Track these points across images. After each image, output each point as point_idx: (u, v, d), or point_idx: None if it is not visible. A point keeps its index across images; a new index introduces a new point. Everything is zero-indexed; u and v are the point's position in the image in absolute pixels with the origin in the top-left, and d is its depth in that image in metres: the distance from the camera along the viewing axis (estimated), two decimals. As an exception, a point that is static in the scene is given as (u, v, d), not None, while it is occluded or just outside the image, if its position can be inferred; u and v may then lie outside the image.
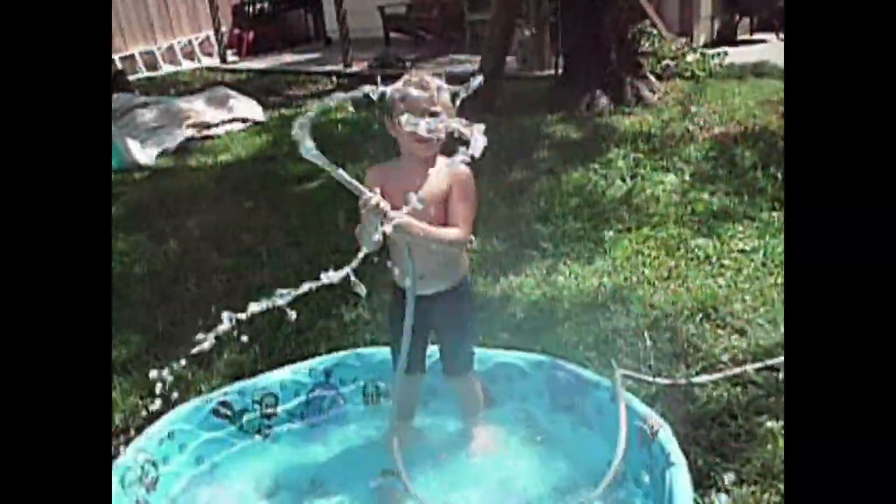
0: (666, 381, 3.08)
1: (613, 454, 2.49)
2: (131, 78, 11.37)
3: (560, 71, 8.08)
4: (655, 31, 8.62)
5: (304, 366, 3.17)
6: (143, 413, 3.31)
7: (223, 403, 2.98)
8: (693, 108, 6.96)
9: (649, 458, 2.50)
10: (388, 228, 2.36)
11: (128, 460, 2.66)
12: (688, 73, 8.11)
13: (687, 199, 4.95)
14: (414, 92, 2.45)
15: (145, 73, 13.55)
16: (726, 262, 4.11)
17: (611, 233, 4.58)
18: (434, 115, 2.43)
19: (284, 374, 3.13)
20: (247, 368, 3.53)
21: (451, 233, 2.56)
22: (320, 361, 3.18)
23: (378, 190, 2.47)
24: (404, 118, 2.35)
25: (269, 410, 3.05)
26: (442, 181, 2.58)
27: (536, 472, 2.73)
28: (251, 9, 14.57)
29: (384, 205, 2.41)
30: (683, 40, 8.83)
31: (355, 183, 2.47)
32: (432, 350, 2.92)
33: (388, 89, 2.50)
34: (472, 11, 11.64)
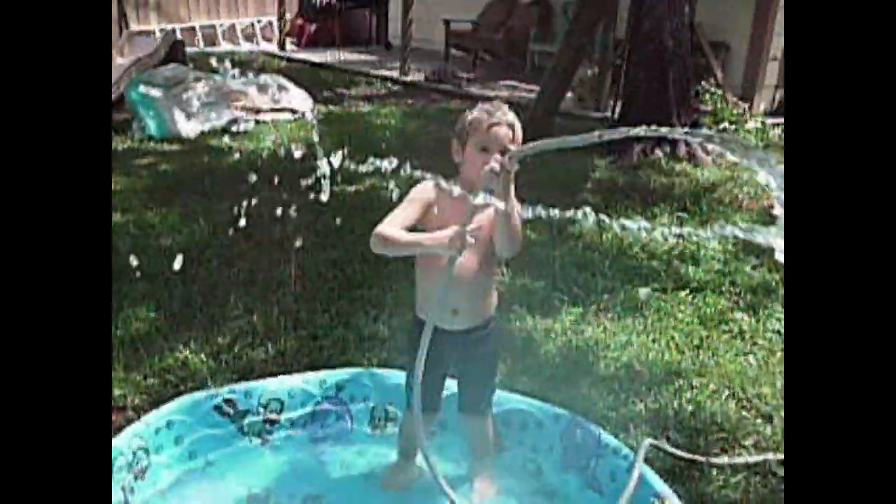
0: (687, 456, 2.95)
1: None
2: (189, 50, 11.38)
3: (616, 115, 7.98)
4: (718, 92, 8.51)
5: (315, 376, 3.08)
6: (143, 393, 3.27)
7: (227, 401, 2.90)
8: (745, 176, 6.83)
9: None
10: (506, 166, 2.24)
11: (121, 445, 2.58)
12: (745, 140, 7.98)
13: (728, 268, 4.81)
14: (502, 130, 2.40)
15: (203, 48, 13.62)
16: (760, 341, 3.97)
17: (646, 290, 4.46)
18: (505, 151, 2.37)
19: (295, 381, 3.04)
20: (256, 367, 3.45)
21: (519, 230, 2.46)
22: (333, 374, 3.09)
23: (424, 205, 2.48)
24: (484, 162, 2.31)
25: (273, 416, 2.96)
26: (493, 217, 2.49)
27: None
28: (318, 1, 14.63)
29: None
30: (744, 105, 8.71)
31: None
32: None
33: (469, 116, 2.46)
34: (538, 41, 11.60)
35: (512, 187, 2.32)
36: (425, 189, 2.53)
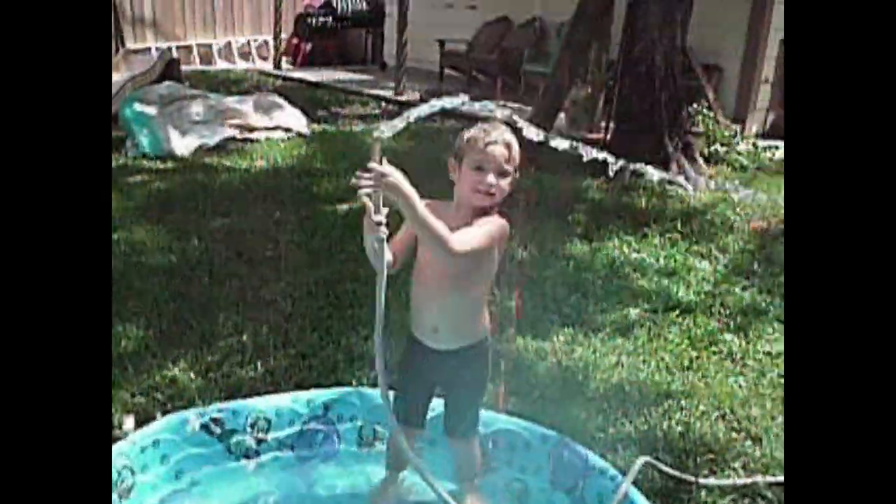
0: (678, 475, 2.95)
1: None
2: (185, 69, 11.43)
3: (609, 136, 8.01)
4: (710, 114, 8.55)
5: (303, 395, 3.07)
6: (131, 411, 3.25)
7: (215, 420, 2.88)
8: (737, 197, 6.85)
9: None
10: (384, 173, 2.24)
11: (106, 463, 2.56)
12: (737, 162, 8.01)
13: (719, 289, 4.82)
14: (498, 150, 2.39)
15: (199, 66, 13.67)
16: (750, 362, 3.97)
17: (636, 311, 4.46)
18: (504, 173, 2.41)
19: (282, 400, 3.03)
20: (245, 385, 3.44)
21: (447, 235, 2.28)
22: (321, 394, 3.08)
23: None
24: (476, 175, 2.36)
25: (261, 435, 2.94)
26: None
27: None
28: (314, 21, 14.70)
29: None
30: (736, 128, 8.75)
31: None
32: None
33: (466, 134, 2.45)
34: (531, 62, 11.65)
35: (404, 190, 2.24)
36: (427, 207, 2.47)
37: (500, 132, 2.42)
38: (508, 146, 2.41)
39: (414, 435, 2.73)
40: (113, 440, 2.72)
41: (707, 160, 7.88)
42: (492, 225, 2.44)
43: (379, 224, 2.30)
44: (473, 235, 2.37)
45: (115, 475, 2.55)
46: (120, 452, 2.62)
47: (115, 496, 2.54)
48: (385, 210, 2.32)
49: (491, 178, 2.39)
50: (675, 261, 5.27)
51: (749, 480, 2.99)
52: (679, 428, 3.32)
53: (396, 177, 2.24)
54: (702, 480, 2.96)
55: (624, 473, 2.72)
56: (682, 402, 3.52)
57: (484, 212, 2.48)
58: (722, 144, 8.16)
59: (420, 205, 2.25)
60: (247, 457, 2.92)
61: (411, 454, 2.50)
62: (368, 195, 2.29)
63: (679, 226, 5.96)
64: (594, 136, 8.83)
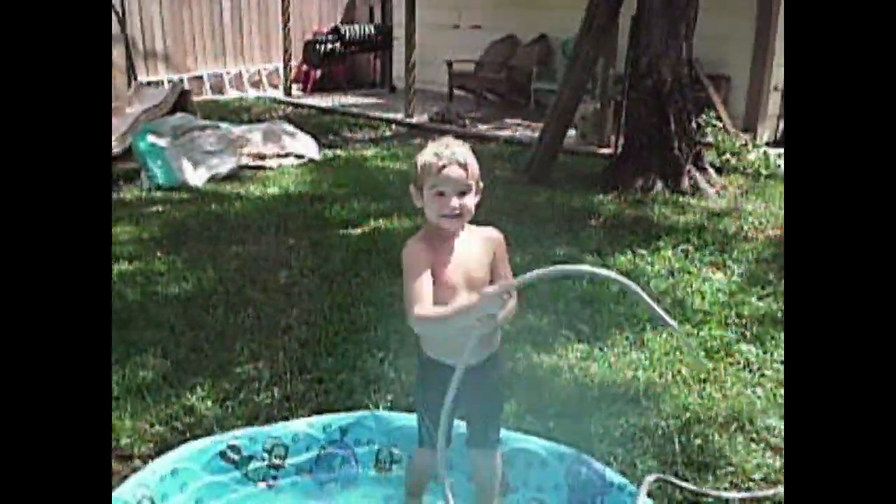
0: (694, 488, 2.93)
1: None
2: (197, 99, 11.55)
3: (619, 150, 8.03)
4: (720, 124, 8.54)
5: (319, 420, 3.09)
6: (150, 441, 3.28)
7: (232, 447, 2.90)
8: (750, 207, 6.84)
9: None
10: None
11: (126, 493, 2.59)
12: (749, 170, 7.99)
13: (734, 299, 4.80)
14: (453, 171, 2.38)
15: (210, 96, 13.81)
16: (768, 371, 3.95)
17: (651, 325, 4.45)
18: (465, 192, 2.41)
19: (299, 426, 3.05)
20: (263, 412, 3.46)
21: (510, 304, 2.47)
22: (337, 419, 3.09)
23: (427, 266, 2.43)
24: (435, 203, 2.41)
25: (278, 461, 2.96)
26: (480, 246, 2.55)
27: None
28: (322, 47, 14.82)
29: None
30: (746, 137, 8.74)
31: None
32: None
33: (420, 161, 2.45)
34: (539, 79, 11.70)
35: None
36: (418, 254, 2.47)
37: (451, 152, 2.40)
38: (464, 165, 2.39)
39: (435, 458, 2.72)
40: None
41: (718, 170, 7.87)
42: (504, 250, 2.53)
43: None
44: (509, 277, 2.50)
45: (135, 505, 2.58)
46: (140, 483, 2.65)
47: (135, 526, 2.56)
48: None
49: (454, 202, 2.39)
50: (689, 272, 5.26)
51: (771, 492, 2.97)
52: (697, 441, 3.31)
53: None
54: (721, 493, 2.94)
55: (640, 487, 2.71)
56: (700, 415, 3.50)
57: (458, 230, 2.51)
58: (732, 154, 8.15)
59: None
60: (264, 482, 2.94)
61: (447, 480, 2.46)
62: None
63: (692, 237, 5.95)
64: (605, 150, 8.86)
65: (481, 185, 2.50)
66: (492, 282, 2.50)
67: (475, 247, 2.52)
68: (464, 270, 2.49)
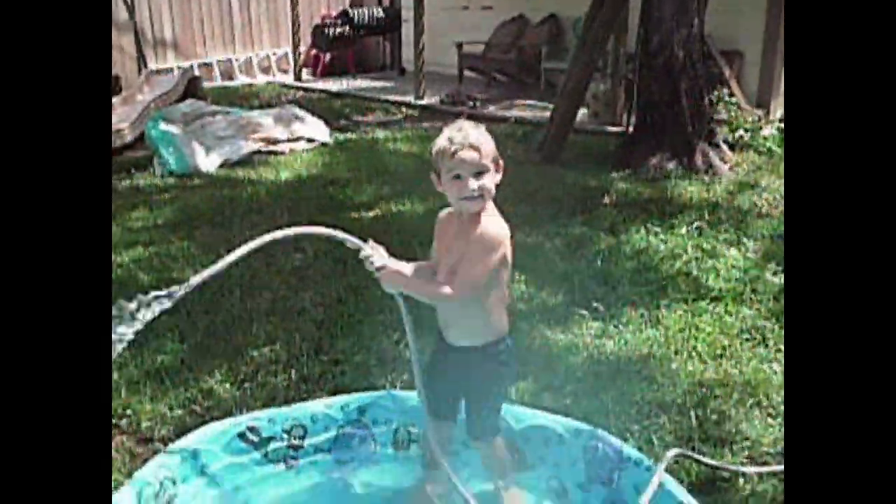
0: (715, 464, 2.93)
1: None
2: (207, 85, 11.56)
3: (631, 129, 7.99)
4: (733, 100, 8.48)
5: (337, 400, 3.11)
6: (170, 424, 3.31)
7: (251, 429, 2.92)
8: (764, 183, 6.80)
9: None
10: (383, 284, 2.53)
11: (147, 475, 2.62)
12: (763, 147, 7.93)
13: (749, 275, 4.79)
14: (467, 154, 2.40)
15: (221, 83, 13.82)
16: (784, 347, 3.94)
17: (666, 301, 4.44)
18: (482, 173, 2.42)
19: (317, 406, 3.07)
20: (280, 394, 3.49)
21: (439, 290, 2.48)
22: (355, 398, 3.11)
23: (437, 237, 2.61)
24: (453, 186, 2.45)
25: (297, 442, 2.98)
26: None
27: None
28: (331, 31, 14.78)
29: (374, 259, 2.53)
30: (760, 113, 8.68)
31: (352, 239, 2.59)
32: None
33: (435, 147, 2.49)
34: (549, 59, 11.64)
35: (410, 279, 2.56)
36: (437, 221, 2.68)
37: (463, 135, 2.42)
38: (476, 147, 2.41)
39: (446, 428, 2.75)
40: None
41: (731, 147, 7.82)
42: (482, 247, 2.45)
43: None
44: (467, 274, 2.44)
45: (157, 486, 2.60)
46: (161, 464, 2.68)
47: (157, 507, 2.59)
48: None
49: (472, 184, 2.41)
50: (704, 250, 5.24)
51: (788, 466, 2.98)
52: (714, 417, 3.31)
53: (386, 270, 2.53)
54: (743, 469, 2.94)
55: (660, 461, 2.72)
56: (717, 391, 3.50)
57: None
58: (746, 130, 8.09)
59: (406, 281, 2.57)
60: (284, 463, 2.96)
61: (437, 449, 2.55)
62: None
63: (706, 214, 5.92)
64: (617, 129, 8.82)
65: (502, 164, 2.51)
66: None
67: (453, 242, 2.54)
68: (453, 254, 2.51)
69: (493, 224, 2.47)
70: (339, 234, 2.58)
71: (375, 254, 2.53)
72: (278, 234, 2.52)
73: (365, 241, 2.58)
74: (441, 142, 2.45)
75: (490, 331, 2.58)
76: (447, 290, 2.45)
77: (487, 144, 2.44)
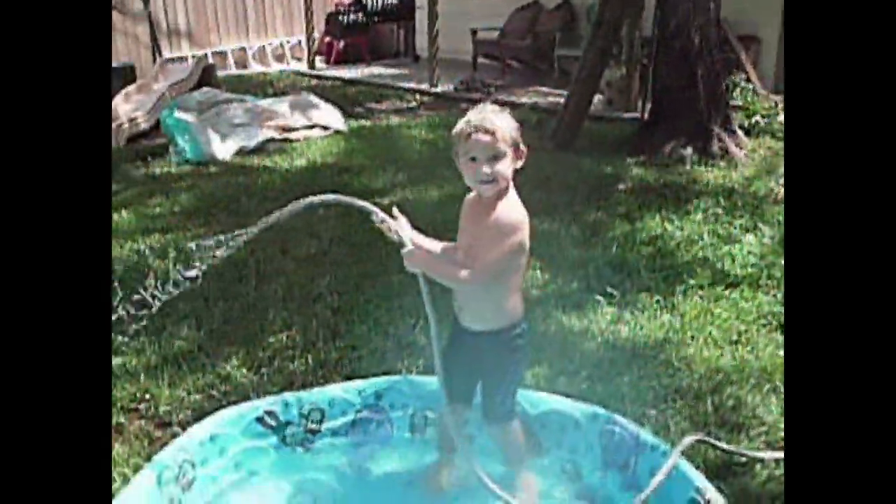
0: (733, 449, 2.93)
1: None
2: (221, 74, 11.60)
3: (646, 115, 7.95)
4: (749, 86, 8.42)
5: (355, 385, 3.12)
6: (188, 409, 3.34)
7: (269, 413, 2.94)
8: (780, 169, 6.76)
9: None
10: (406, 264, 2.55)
11: (167, 458, 2.64)
12: (779, 133, 7.88)
13: (765, 261, 4.76)
14: (481, 137, 2.41)
15: (235, 71, 13.84)
16: (801, 333, 3.92)
17: (681, 287, 4.43)
18: (497, 158, 2.42)
19: (335, 390, 3.08)
20: (297, 379, 3.51)
21: (458, 274, 2.49)
22: (372, 383, 3.13)
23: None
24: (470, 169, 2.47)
25: (314, 426, 3.00)
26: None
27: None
28: (345, 18, 14.78)
29: (396, 232, 2.59)
30: (776, 98, 8.62)
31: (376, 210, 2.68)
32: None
33: (455, 128, 2.50)
34: (563, 45, 11.59)
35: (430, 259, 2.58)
36: (465, 203, 2.66)
37: (480, 118, 2.43)
38: (492, 131, 2.40)
39: (462, 412, 2.77)
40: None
41: (747, 133, 7.77)
42: (499, 231, 2.46)
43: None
44: (485, 258, 2.46)
45: (176, 469, 2.63)
46: (180, 447, 2.70)
47: (177, 489, 2.61)
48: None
49: (485, 168, 2.42)
50: (720, 236, 5.22)
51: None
52: (730, 402, 3.31)
53: (410, 250, 2.57)
54: (756, 454, 2.94)
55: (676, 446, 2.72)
56: (733, 377, 3.50)
57: (502, 193, 2.51)
58: (762, 116, 8.04)
59: (427, 263, 2.57)
60: (302, 446, 2.98)
61: (455, 431, 2.58)
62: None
63: (722, 200, 5.90)
64: (631, 115, 8.78)
65: (524, 150, 2.50)
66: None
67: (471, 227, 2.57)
68: (473, 236, 2.53)
69: (510, 209, 2.47)
70: (367, 206, 2.68)
71: (399, 228, 2.59)
72: (316, 199, 2.68)
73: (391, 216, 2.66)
74: (460, 124, 2.47)
75: (505, 316, 2.59)
76: (464, 274, 2.46)
77: (505, 129, 2.43)
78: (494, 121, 2.42)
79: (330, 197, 2.68)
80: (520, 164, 2.50)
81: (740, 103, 8.23)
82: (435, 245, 2.69)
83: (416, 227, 2.74)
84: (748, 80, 8.55)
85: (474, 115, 2.45)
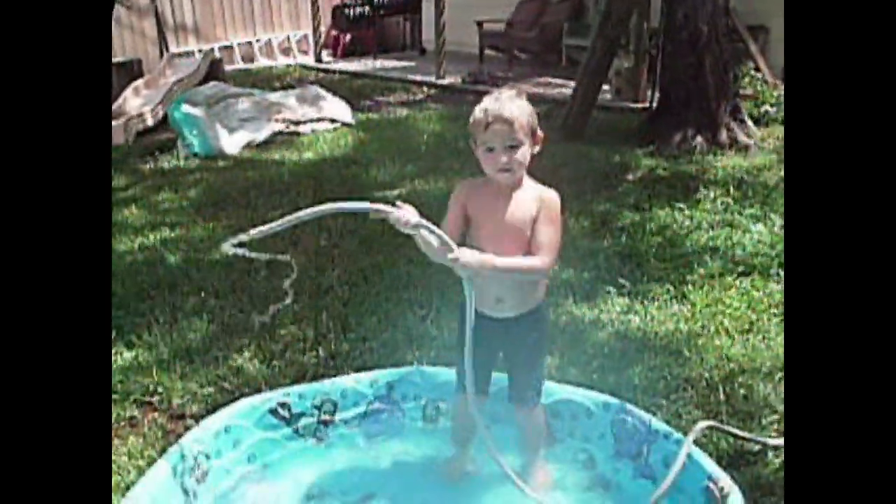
0: (745, 435, 2.93)
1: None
2: (228, 68, 11.61)
3: (655, 105, 7.92)
4: (758, 75, 8.38)
5: (367, 376, 3.13)
6: (201, 401, 3.35)
7: (282, 404, 2.95)
8: (790, 158, 6.72)
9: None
10: (458, 271, 2.44)
11: (182, 449, 2.65)
12: (787, 122, 7.84)
13: (775, 251, 4.75)
14: (498, 127, 2.41)
15: (241, 65, 13.85)
16: (812, 322, 3.91)
17: (692, 277, 4.42)
18: (514, 147, 2.42)
19: (347, 381, 3.09)
20: (309, 371, 3.52)
21: (532, 262, 2.48)
22: (384, 374, 3.14)
23: (459, 205, 2.58)
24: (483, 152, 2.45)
25: (327, 417, 3.01)
26: (529, 204, 2.53)
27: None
28: (351, 12, 14.76)
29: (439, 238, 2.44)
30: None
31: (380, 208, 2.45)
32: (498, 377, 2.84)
33: (473, 115, 2.49)
34: (571, 36, 11.55)
35: (475, 258, 2.42)
36: (456, 190, 2.65)
37: (498, 107, 2.42)
38: (510, 120, 2.40)
39: (480, 403, 2.76)
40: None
41: (756, 122, 7.73)
42: (551, 212, 2.51)
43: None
44: (552, 241, 2.49)
45: (191, 461, 2.64)
46: (195, 439, 2.72)
47: (192, 481, 2.63)
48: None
49: (502, 157, 2.43)
50: (730, 225, 5.21)
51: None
52: (742, 391, 3.30)
53: (469, 257, 2.41)
54: (772, 441, 2.93)
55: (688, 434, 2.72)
56: (744, 365, 3.49)
57: (517, 182, 2.53)
58: (771, 105, 8.00)
59: (497, 261, 2.43)
60: (315, 438, 2.99)
61: (481, 423, 2.56)
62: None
63: (731, 190, 5.88)
64: (640, 105, 8.76)
65: (541, 135, 2.51)
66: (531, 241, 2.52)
67: (522, 204, 2.53)
68: (496, 223, 2.52)
69: (544, 190, 2.53)
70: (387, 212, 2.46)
71: (400, 212, 2.43)
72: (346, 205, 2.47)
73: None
74: (477, 112, 2.46)
75: (541, 295, 2.65)
76: (541, 262, 2.47)
77: (523, 117, 2.43)
78: (512, 109, 2.42)
79: (360, 205, 2.47)
80: (537, 149, 2.51)
81: (749, 93, 8.20)
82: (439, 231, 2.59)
83: (424, 218, 2.71)
84: (757, 69, 8.51)
85: (491, 104, 2.44)
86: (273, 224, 2.39)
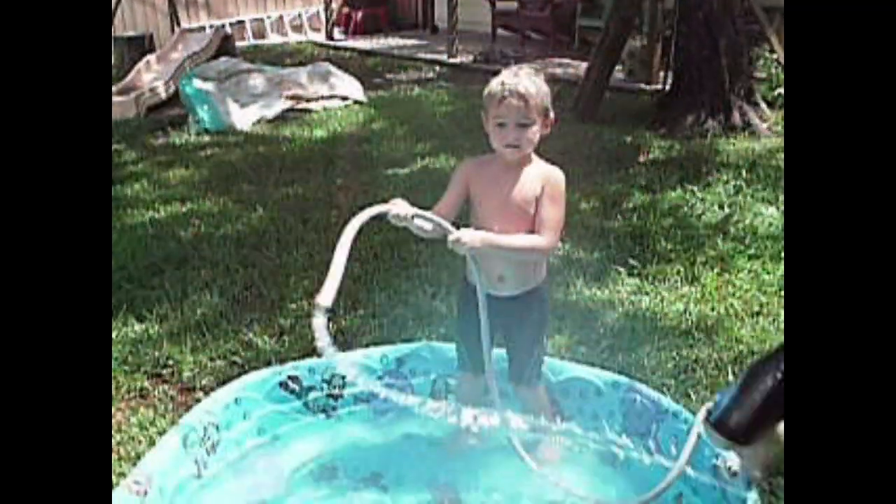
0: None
1: (684, 486, 2.41)
2: (239, 44, 11.57)
3: (668, 87, 7.87)
4: (773, 57, 8.31)
5: (376, 351, 3.14)
6: (211, 374, 3.37)
7: (292, 378, 2.96)
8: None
9: (724, 501, 2.38)
10: (460, 251, 2.42)
11: (193, 421, 2.68)
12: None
13: (787, 234, 4.73)
14: (513, 102, 2.40)
15: (252, 41, 13.81)
16: (822, 305, 3.90)
17: (702, 259, 4.41)
18: (525, 124, 2.42)
19: (356, 356, 3.09)
20: (318, 345, 3.53)
21: (535, 240, 2.49)
22: (393, 350, 3.14)
23: (461, 182, 2.61)
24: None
25: (337, 391, 3.02)
26: (534, 182, 2.53)
27: (598, 493, 2.63)
28: (363, -11, 14.70)
29: (438, 226, 2.47)
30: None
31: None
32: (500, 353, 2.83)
33: (487, 88, 2.48)
34: (584, 16, 11.48)
35: (476, 237, 2.42)
36: (460, 167, 2.67)
37: (514, 83, 2.41)
38: (524, 97, 2.39)
39: (478, 381, 2.78)
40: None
41: (770, 105, 7.68)
42: (556, 190, 2.52)
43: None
44: (555, 220, 2.50)
45: (201, 432, 2.66)
46: (205, 410, 2.73)
47: (202, 451, 2.65)
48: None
49: (512, 133, 2.43)
50: (742, 207, 5.19)
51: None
52: (751, 373, 3.30)
53: (471, 236, 2.41)
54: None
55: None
56: (754, 348, 3.49)
57: (524, 160, 2.53)
58: (786, 88, 7.94)
59: (498, 239, 2.44)
60: (324, 412, 3.01)
61: (495, 394, 2.57)
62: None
63: (743, 173, 5.85)
64: (653, 87, 8.70)
65: (552, 117, 2.51)
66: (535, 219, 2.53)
67: (527, 181, 2.53)
68: (501, 200, 2.53)
69: (550, 169, 2.54)
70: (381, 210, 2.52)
71: (395, 207, 2.47)
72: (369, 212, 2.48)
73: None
74: (493, 85, 2.45)
75: (540, 276, 2.66)
76: (544, 240, 2.48)
77: (538, 96, 2.43)
78: (529, 86, 2.42)
79: (364, 216, 2.52)
80: (546, 131, 2.50)
81: (763, 75, 8.13)
82: (429, 215, 2.56)
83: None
84: (771, 51, 8.43)
85: (509, 78, 2.43)
86: (331, 281, 2.47)
